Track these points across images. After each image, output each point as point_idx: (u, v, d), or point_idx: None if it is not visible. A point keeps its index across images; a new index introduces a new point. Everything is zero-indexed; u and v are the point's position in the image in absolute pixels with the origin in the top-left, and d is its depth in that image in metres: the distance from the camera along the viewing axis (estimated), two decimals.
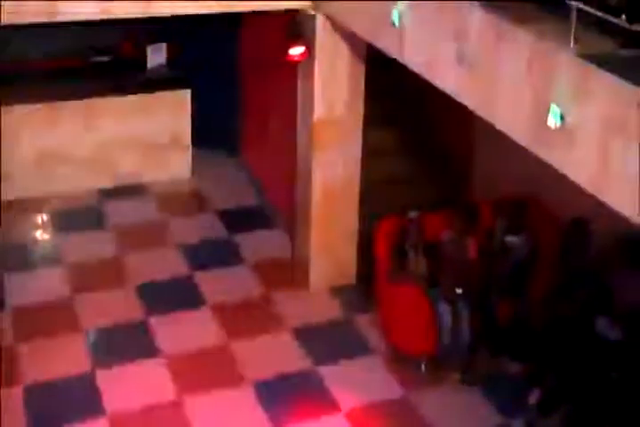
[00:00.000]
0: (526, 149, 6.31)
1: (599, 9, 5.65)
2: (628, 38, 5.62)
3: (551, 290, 8.75)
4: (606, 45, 5.75)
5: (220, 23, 11.03)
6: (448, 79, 7.00)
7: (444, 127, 11.00)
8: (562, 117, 5.65)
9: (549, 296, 8.71)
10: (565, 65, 5.68)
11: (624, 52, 5.64)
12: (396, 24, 7.37)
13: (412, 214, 9.35)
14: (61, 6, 8.26)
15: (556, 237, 9.01)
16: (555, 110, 5.68)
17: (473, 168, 11.18)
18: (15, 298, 10.23)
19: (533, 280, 9.14)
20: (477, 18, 6.52)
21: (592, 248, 8.69)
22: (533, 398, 7.94)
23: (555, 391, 7.89)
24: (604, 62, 5.48)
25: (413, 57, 7.45)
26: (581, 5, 5.66)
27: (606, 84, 5.36)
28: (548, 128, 5.75)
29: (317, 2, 8.98)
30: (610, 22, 5.62)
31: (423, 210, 9.47)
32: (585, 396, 7.69)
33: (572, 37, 5.68)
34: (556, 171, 6.06)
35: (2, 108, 11.38)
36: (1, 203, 11.19)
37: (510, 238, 9.12)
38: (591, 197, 5.76)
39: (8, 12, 7.95)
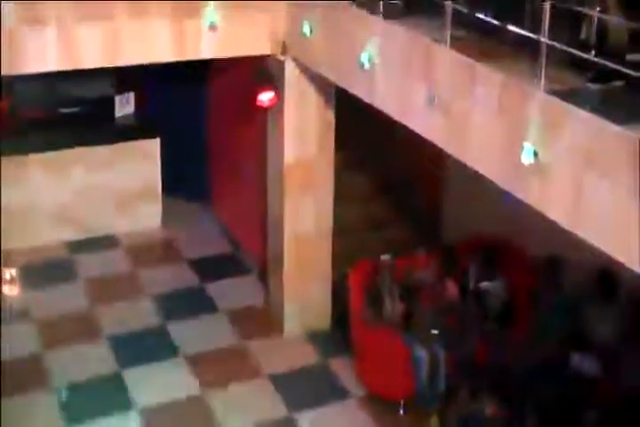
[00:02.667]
0: (496, 190, 6.34)
1: (568, 45, 5.71)
2: (596, 73, 5.67)
3: (528, 329, 8.77)
4: (575, 81, 5.80)
5: (188, 71, 11.03)
6: (419, 120, 7.01)
7: (414, 170, 11.02)
8: (535, 154, 5.67)
9: (526, 336, 8.72)
10: (536, 102, 5.71)
11: (593, 87, 5.69)
12: (366, 66, 7.40)
13: (385, 258, 9.35)
14: (27, 58, 8.20)
15: (529, 276, 9.05)
16: (528, 147, 5.70)
17: (444, 210, 11.21)
18: None
19: (511, 321, 9.14)
20: (445, 57, 6.57)
21: (566, 284, 8.74)
22: None
23: None
24: (574, 98, 5.52)
25: (384, 99, 7.48)
26: (551, 41, 5.71)
27: (577, 119, 5.39)
28: (522, 165, 5.76)
29: (286, 47, 9.01)
30: (578, 57, 5.68)
31: (396, 254, 9.48)
32: None
33: (541, 74, 5.73)
34: (526, 210, 6.10)
35: None
36: None
37: (485, 284, 9.14)
38: (562, 233, 5.80)
39: None
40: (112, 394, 9.65)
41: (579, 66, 5.79)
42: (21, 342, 10.45)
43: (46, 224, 12.32)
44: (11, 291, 11.67)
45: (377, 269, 9.37)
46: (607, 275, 8.24)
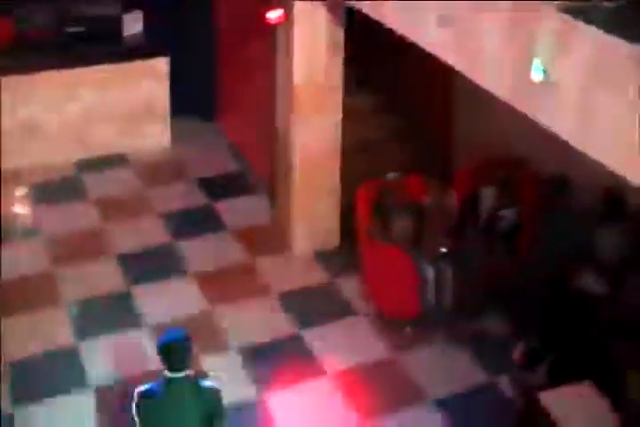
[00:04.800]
0: (506, 111, 6.32)
1: None
2: None
3: (536, 248, 8.81)
4: None
5: None
6: (429, 38, 6.94)
7: (422, 90, 10.94)
8: (544, 71, 5.64)
9: (534, 254, 8.77)
10: (546, 19, 5.66)
11: (607, 4, 5.62)
12: None
13: (392, 176, 9.36)
14: None
15: (540, 198, 9.06)
16: (537, 65, 5.67)
17: (453, 130, 11.17)
18: None
19: (519, 240, 9.20)
20: None
21: (574, 204, 8.76)
22: (517, 353, 8.00)
23: (538, 346, 7.96)
24: (586, 15, 5.46)
25: (393, 16, 7.37)
26: None
27: (587, 36, 5.34)
28: (532, 83, 5.74)
29: None
30: None
31: (404, 173, 9.49)
32: (568, 348, 7.76)
33: None
34: (534, 130, 6.09)
35: None
36: None
37: (504, 212, 9.17)
38: (573, 154, 5.80)
39: None
40: (121, 311, 9.74)
41: None
42: (31, 259, 10.54)
43: (54, 143, 12.29)
44: (21, 209, 11.71)
45: (384, 188, 9.38)
46: (614, 195, 8.26)
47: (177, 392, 6.27)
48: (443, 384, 8.74)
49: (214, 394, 6.43)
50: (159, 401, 6.28)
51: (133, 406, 6.31)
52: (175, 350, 6.21)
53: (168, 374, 6.23)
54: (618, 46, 5.10)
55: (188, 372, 6.27)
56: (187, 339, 6.29)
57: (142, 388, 6.32)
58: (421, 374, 8.86)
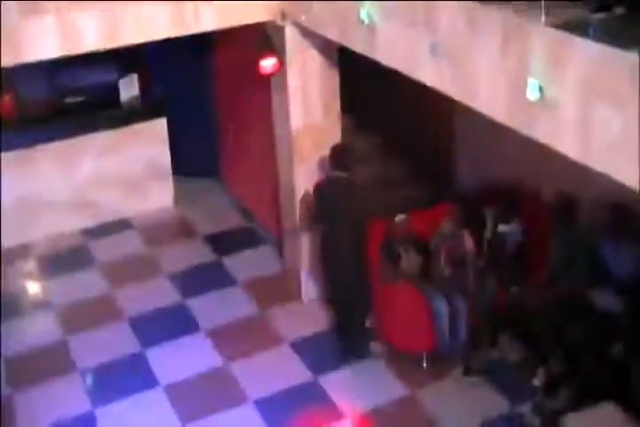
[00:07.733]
0: (506, 137, 6.35)
1: None
2: (598, 3, 5.70)
3: (547, 269, 8.81)
4: (578, 13, 5.76)
5: (190, 47, 11.06)
6: (424, 70, 7.02)
7: (422, 125, 10.96)
8: (540, 89, 5.72)
9: (545, 276, 8.76)
10: (537, 36, 5.73)
11: (596, 17, 5.71)
12: (366, 21, 7.46)
13: (400, 217, 9.38)
14: (24, 47, 8.07)
15: (545, 217, 9.08)
16: (532, 83, 5.74)
17: (456, 161, 11.22)
18: (9, 346, 10.10)
19: (529, 263, 9.23)
20: (445, 3, 6.60)
21: (581, 223, 8.77)
22: (538, 379, 7.96)
23: (559, 371, 7.91)
24: (575, 29, 5.54)
25: (386, 53, 7.49)
26: None
27: (579, 48, 5.40)
28: (529, 102, 5.79)
29: (285, 12, 9.00)
30: None
31: (410, 210, 9.53)
32: (589, 370, 7.72)
33: (542, 9, 5.77)
34: (537, 153, 6.13)
35: None
36: None
37: (502, 227, 9.19)
38: (574, 171, 5.84)
39: None
40: (137, 374, 9.71)
41: None
42: (44, 331, 10.54)
43: (61, 213, 12.30)
44: (30, 282, 11.70)
45: (393, 228, 9.41)
46: (621, 210, 8.29)
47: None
48: (465, 418, 8.68)
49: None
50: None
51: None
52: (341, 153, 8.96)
53: (332, 172, 8.96)
54: (608, 54, 5.18)
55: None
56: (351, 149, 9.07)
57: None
58: (442, 410, 8.80)
